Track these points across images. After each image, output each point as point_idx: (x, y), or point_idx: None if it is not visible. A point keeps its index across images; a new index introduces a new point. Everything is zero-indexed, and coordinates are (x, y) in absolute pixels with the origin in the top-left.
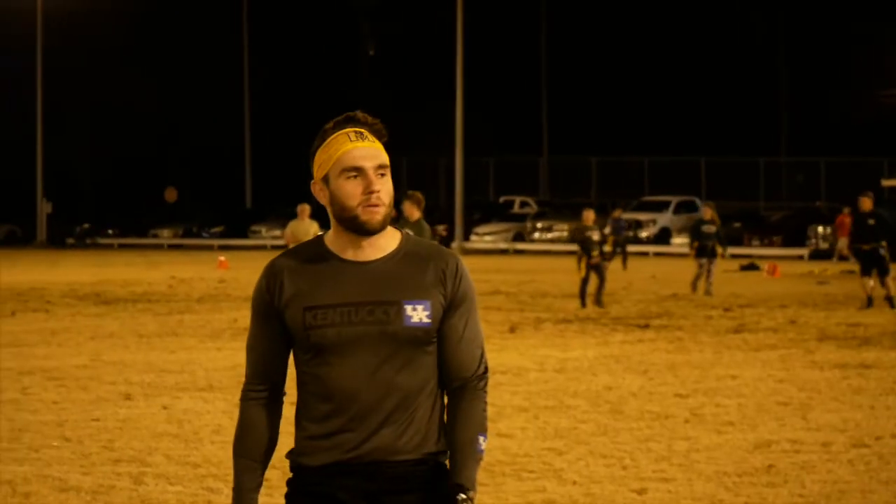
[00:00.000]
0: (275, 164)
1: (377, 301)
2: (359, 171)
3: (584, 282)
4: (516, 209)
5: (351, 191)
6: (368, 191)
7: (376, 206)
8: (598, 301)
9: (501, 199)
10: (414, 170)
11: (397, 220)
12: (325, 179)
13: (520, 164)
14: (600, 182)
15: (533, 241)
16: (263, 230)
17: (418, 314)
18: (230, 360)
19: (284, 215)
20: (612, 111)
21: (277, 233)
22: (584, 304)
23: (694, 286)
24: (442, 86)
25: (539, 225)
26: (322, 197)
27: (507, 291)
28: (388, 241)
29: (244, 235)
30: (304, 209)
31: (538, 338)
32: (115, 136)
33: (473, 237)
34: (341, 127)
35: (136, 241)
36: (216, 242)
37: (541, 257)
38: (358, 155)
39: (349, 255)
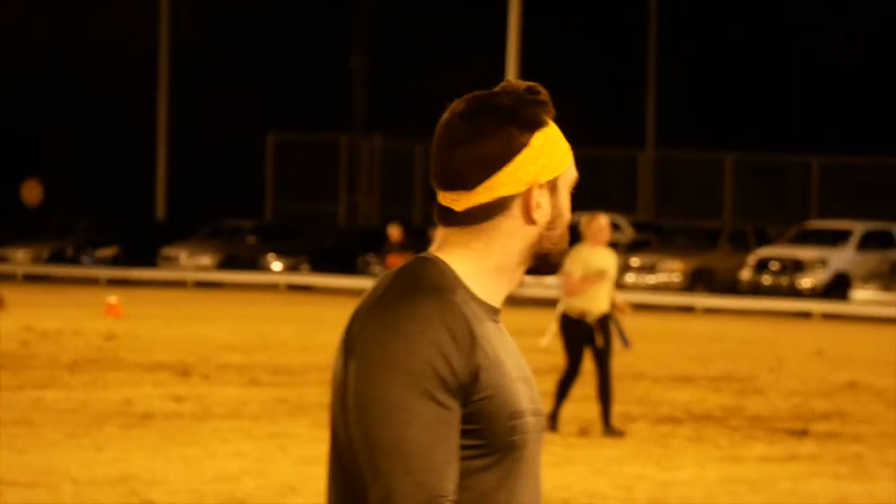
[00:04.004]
0: (207, 148)
1: (530, 376)
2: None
3: None
4: None
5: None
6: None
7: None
8: None
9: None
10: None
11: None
12: (554, 186)
13: (606, 162)
14: (739, 193)
15: (624, 286)
16: (183, 256)
17: None
18: (118, 469)
19: (221, 234)
20: (759, 83)
21: (206, 261)
22: None
23: None
24: (482, 31)
25: (636, 262)
26: (536, 209)
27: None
28: None
29: (151, 263)
30: (600, 224)
31: (625, 447)
32: None
33: None
34: (548, 108)
35: None
36: (104, 273)
37: (637, 314)
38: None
39: (498, 306)
